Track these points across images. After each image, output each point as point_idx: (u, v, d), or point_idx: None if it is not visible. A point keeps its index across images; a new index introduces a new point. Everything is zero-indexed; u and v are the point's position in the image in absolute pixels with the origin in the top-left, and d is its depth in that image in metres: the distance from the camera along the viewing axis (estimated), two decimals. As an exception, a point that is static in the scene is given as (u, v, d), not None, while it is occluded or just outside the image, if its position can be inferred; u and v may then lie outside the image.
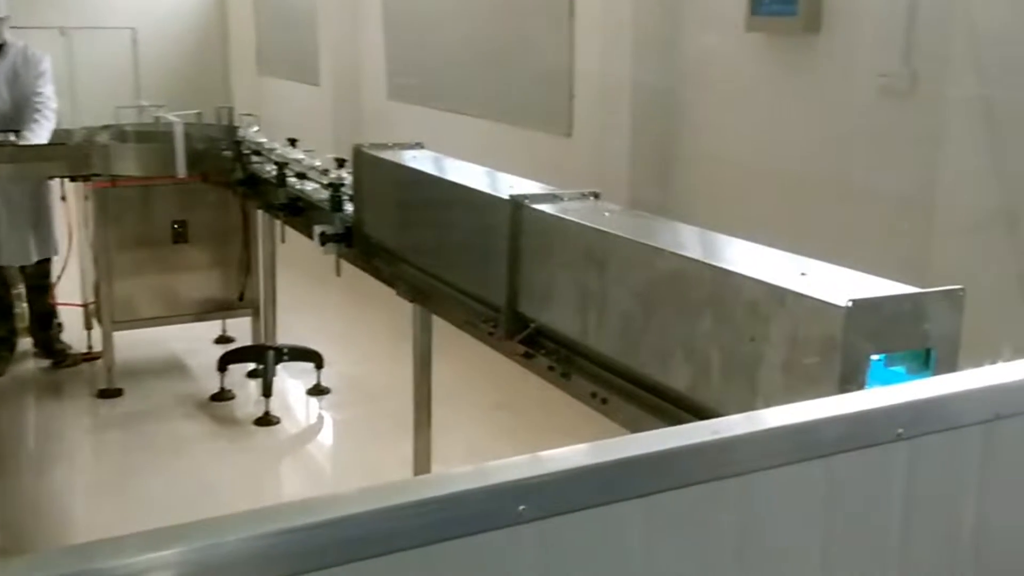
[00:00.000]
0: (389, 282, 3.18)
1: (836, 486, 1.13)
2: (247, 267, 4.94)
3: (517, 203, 2.39)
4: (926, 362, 1.66)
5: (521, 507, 0.97)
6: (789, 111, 4.04)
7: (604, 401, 2.18)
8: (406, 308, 3.16)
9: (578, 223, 2.20)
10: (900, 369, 1.67)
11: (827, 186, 3.73)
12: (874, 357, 1.62)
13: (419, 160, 3.11)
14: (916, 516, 1.19)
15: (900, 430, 1.15)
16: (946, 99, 3.38)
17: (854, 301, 1.57)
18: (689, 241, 2.06)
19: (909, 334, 1.63)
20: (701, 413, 1.87)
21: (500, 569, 0.98)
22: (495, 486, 0.97)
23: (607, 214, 2.29)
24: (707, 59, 4.48)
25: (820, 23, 3.96)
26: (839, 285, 1.69)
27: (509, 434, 4.28)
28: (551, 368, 2.34)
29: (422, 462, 3.23)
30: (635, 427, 2.06)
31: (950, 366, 1.63)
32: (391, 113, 7.37)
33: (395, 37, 7.36)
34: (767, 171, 4.00)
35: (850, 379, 1.59)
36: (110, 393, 4.74)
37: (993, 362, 1.25)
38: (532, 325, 2.38)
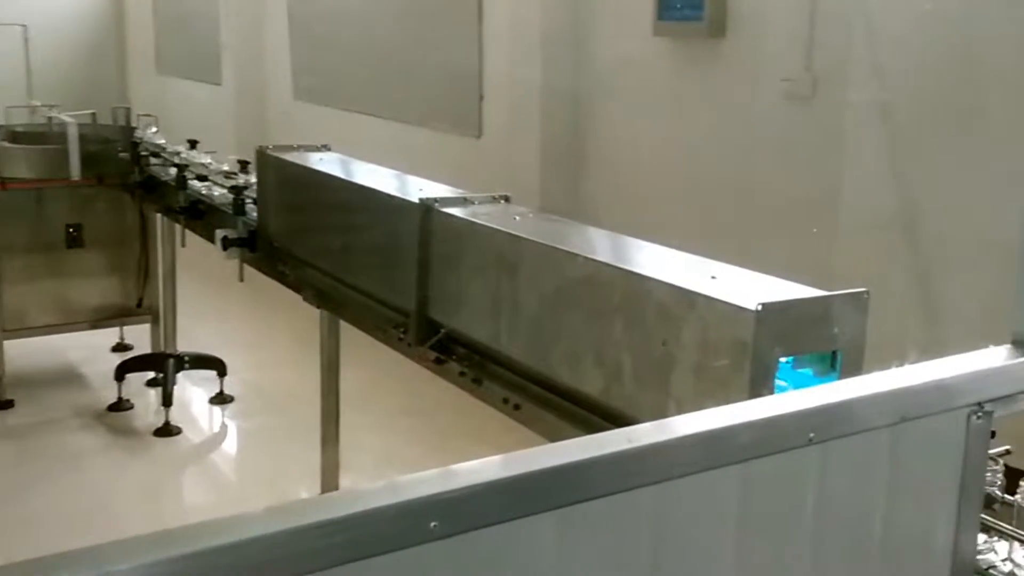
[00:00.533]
0: (295, 287, 3.12)
1: (750, 491, 1.14)
2: (145, 272, 4.79)
3: (427, 207, 2.36)
4: (832, 364, 1.69)
5: (433, 524, 0.95)
6: (696, 115, 4.09)
7: (517, 407, 2.17)
8: (313, 314, 3.10)
9: (489, 227, 2.18)
10: (807, 371, 1.70)
11: (734, 189, 3.79)
12: (782, 360, 1.64)
13: (326, 163, 3.06)
14: (828, 518, 1.20)
15: (812, 434, 1.16)
16: (846, 103, 3.47)
17: (764, 305, 1.59)
18: (600, 245, 2.06)
19: (816, 337, 1.66)
20: (614, 418, 1.87)
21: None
22: (406, 503, 0.94)
23: (517, 218, 2.27)
24: (616, 63, 4.51)
25: (725, 28, 4.03)
26: (748, 289, 1.71)
27: (420, 440, 4.24)
28: (462, 374, 2.32)
29: (330, 473, 3.17)
30: (548, 433, 2.06)
31: (855, 367, 1.66)
32: (297, 114, 7.25)
33: (301, 35, 7.24)
34: (675, 174, 4.04)
35: (760, 382, 1.61)
36: (0, 404, 4.55)
37: (899, 364, 1.27)
38: (443, 330, 2.35)
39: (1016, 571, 1.38)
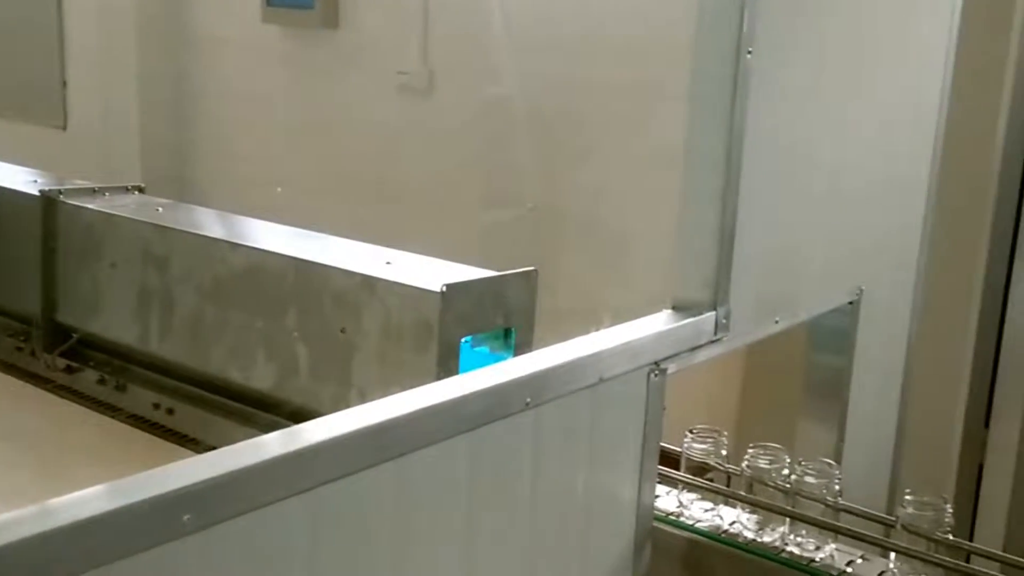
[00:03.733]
0: None
1: (478, 459, 1.21)
2: None
3: (49, 198, 2.18)
4: (507, 340, 1.82)
5: (186, 517, 0.92)
6: (314, 106, 4.11)
7: (170, 411, 2.08)
8: None
9: (132, 219, 2.07)
10: (484, 349, 1.82)
11: (360, 181, 3.86)
12: (463, 340, 1.75)
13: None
14: (542, 476, 1.31)
15: (528, 399, 1.26)
16: (464, 97, 3.67)
17: (447, 286, 1.68)
18: (263, 234, 2.04)
19: (492, 315, 1.78)
20: (289, 412, 1.86)
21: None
22: (159, 497, 0.90)
23: (160, 209, 2.17)
24: (222, 50, 4.40)
25: (338, 19, 4.08)
26: (426, 272, 1.79)
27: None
28: (101, 381, 2.17)
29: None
30: (211, 437, 1.99)
31: (527, 343, 1.80)
32: None
33: None
34: (297, 165, 4.04)
35: (446, 362, 1.69)
36: None
37: (596, 330, 1.42)
38: (75, 336, 2.19)
39: (683, 510, 1.59)
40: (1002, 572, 1.40)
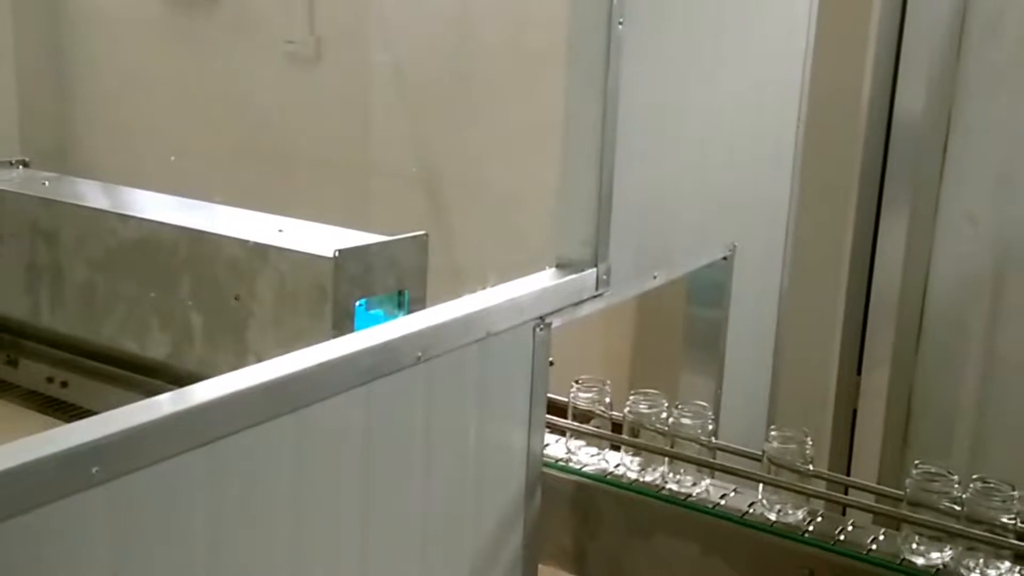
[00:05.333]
0: None
1: (373, 410, 1.29)
2: None
3: (-74, 173, 2.17)
4: (400, 303, 1.90)
5: (95, 469, 0.98)
6: (201, 78, 4.09)
7: (64, 384, 2.10)
8: None
9: (18, 193, 2.07)
10: (379, 312, 1.89)
11: (245, 151, 3.86)
12: (358, 303, 1.82)
13: None
14: (435, 426, 1.39)
15: (419, 353, 1.35)
16: (353, 65, 3.71)
17: (340, 251, 1.75)
18: (154, 206, 2.07)
19: (385, 278, 1.85)
20: (186, 380, 1.90)
21: (77, 535, 0.98)
22: (67, 452, 0.96)
23: (47, 183, 2.18)
24: (104, 23, 4.33)
25: (222, -12, 4.06)
26: (318, 238, 1.85)
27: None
28: (-8, 358, 2.18)
29: None
30: (103, 407, 2.02)
31: (420, 303, 1.88)
32: None
33: None
34: (189, 137, 4.02)
35: (341, 325, 1.76)
36: None
37: (484, 288, 1.51)
38: (-39, 312, 2.18)
39: (571, 456, 1.70)
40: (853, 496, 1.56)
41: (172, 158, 3.53)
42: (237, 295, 1.86)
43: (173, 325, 1.93)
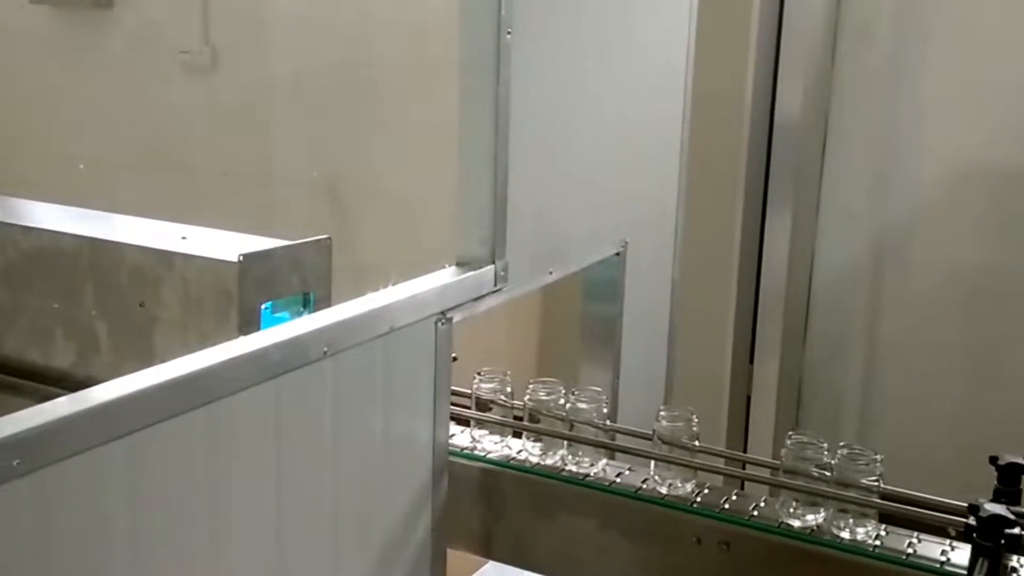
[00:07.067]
0: None
1: (282, 403, 1.37)
2: None
3: None
4: (305, 305, 1.98)
5: (16, 461, 1.04)
6: (95, 91, 4.07)
7: (-33, 399, 2.11)
8: None
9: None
10: (285, 315, 1.96)
11: (145, 162, 3.87)
12: (264, 306, 1.89)
13: None
14: (343, 418, 1.48)
15: (325, 348, 1.43)
16: (251, 75, 3.75)
17: (244, 255, 1.81)
18: (53, 217, 2.09)
19: (290, 281, 1.92)
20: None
21: (1, 525, 1.03)
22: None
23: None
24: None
25: (113, -1, 4.06)
26: (221, 244, 1.91)
27: None
28: None
29: None
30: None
31: (326, 303, 1.96)
32: None
33: None
34: (84, 150, 4.00)
35: (247, 328, 1.83)
36: None
37: (385, 287, 1.59)
38: None
39: (476, 444, 1.80)
40: (748, 469, 1.70)
41: (81, 166, 3.53)
42: (142, 302, 1.91)
43: (78, 335, 1.97)
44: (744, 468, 1.74)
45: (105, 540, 1.15)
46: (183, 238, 1.96)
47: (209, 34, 3.91)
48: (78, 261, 1.96)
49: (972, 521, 1.33)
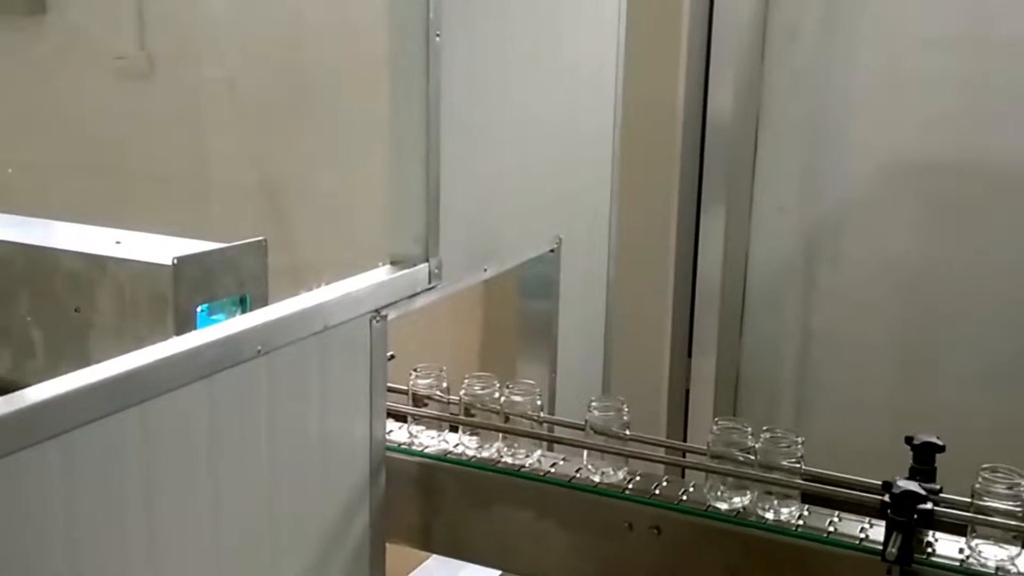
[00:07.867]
0: None
1: (215, 402, 1.39)
2: None
3: None
4: (242, 306, 1.99)
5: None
6: (29, 97, 4.04)
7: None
8: None
9: None
10: (221, 316, 1.98)
11: (80, 168, 3.85)
12: (199, 308, 1.90)
13: None
14: (278, 416, 1.50)
15: (259, 347, 1.45)
16: (188, 80, 3.74)
17: (178, 258, 1.83)
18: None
19: (226, 283, 1.94)
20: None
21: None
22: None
23: None
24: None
25: (46, 4, 4.04)
26: (156, 248, 1.93)
27: None
28: None
29: None
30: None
31: (263, 303, 1.97)
32: None
33: None
34: (16, 158, 3.96)
35: (183, 330, 1.84)
36: None
37: (318, 286, 1.62)
38: None
39: (413, 439, 1.83)
40: (677, 456, 1.75)
41: (9, 170, 3.50)
42: (77, 307, 1.92)
43: (13, 341, 1.97)
44: (681, 455, 1.78)
45: (39, 540, 1.16)
46: (117, 243, 1.98)
47: (145, 40, 3.90)
48: (11, 267, 1.96)
49: (886, 498, 1.39)
